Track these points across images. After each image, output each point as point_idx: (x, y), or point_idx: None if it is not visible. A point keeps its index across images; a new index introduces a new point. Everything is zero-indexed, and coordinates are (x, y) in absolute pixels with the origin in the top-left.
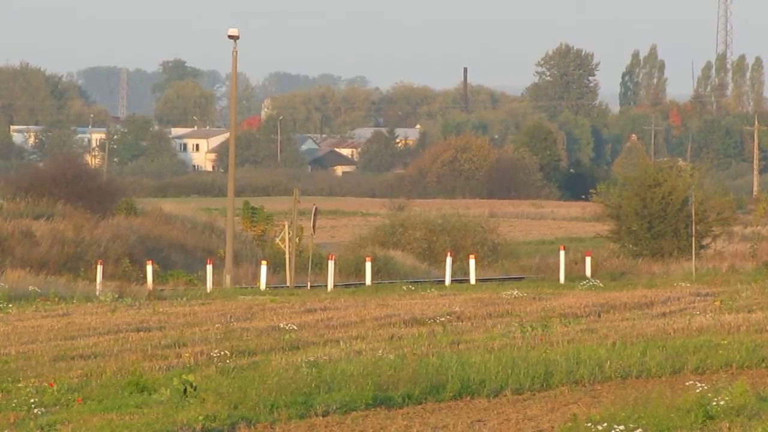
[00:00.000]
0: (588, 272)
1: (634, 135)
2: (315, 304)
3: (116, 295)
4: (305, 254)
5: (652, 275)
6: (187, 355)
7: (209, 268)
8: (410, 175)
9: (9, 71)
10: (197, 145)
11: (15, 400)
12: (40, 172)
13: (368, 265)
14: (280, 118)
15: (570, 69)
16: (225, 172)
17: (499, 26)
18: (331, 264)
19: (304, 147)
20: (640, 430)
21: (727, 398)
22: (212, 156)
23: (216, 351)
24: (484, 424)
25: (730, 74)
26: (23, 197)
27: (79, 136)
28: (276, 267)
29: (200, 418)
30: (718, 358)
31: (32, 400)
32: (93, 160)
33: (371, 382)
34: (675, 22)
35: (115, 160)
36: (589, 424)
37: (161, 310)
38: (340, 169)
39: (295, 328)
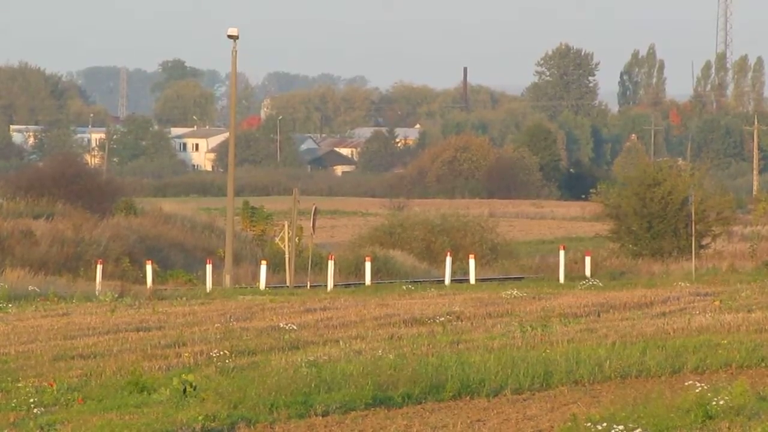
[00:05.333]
0: (588, 272)
1: (633, 135)
2: (315, 303)
3: (116, 295)
4: (305, 254)
5: (652, 275)
6: (186, 354)
7: (209, 267)
8: (410, 174)
9: (8, 71)
10: (197, 145)
11: (15, 400)
12: (40, 172)
13: (368, 265)
14: (280, 117)
15: (570, 69)
16: (224, 172)
17: (499, 26)
18: (330, 264)
19: (303, 147)
20: (639, 429)
21: (726, 398)
22: (212, 156)
23: (216, 351)
24: (484, 424)
25: (730, 74)
26: (23, 197)
27: (79, 135)
28: (276, 267)
29: (200, 417)
30: (717, 358)
31: (32, 400)
32: (92, 160)
33: (371, 382)
34: (674, 21)
35: (115, 159)
36: (589, 424)
37: (161, 309)
38: (339, 169)
39: (295, 327)
